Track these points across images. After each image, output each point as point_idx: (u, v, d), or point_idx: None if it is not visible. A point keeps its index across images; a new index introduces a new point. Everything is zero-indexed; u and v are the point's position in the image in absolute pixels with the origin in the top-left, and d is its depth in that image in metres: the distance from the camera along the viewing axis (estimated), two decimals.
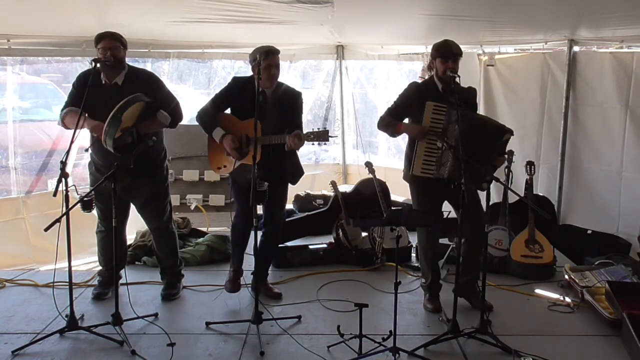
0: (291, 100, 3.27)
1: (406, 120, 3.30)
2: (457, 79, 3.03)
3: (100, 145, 3.20)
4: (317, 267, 4.13)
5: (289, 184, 3.53)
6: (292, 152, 3.40)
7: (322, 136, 3.07)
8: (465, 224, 3.01)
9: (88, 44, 4.61)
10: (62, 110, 3.25)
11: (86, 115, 3.04)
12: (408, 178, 3.31)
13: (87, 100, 2.99)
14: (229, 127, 3.29)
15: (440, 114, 3.09)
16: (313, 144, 3.14)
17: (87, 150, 3.34)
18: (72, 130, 2.98)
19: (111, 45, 3.15)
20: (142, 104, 3.09)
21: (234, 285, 3.49)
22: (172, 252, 3.64)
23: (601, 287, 3.41)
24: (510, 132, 3.14)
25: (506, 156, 3.22)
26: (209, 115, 3.32)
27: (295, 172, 3.46)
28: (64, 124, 3.21)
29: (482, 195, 3.08)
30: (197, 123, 3.41)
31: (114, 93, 3.11)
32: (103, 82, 3.20)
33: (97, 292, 3.56)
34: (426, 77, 3.42)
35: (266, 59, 3.11)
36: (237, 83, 3.34)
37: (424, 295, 3.46)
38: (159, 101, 3.23)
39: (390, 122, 3.23)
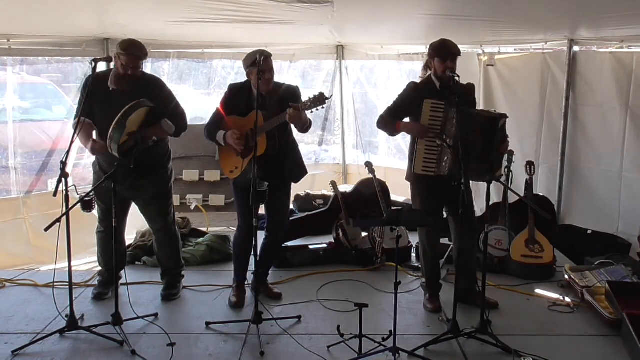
0: (290, 96, 3.28)
1: (406, 120, 3.30)
2: (456, 79, 3.03)
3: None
4: (317, 267, 4.13)
5: (292, 184, 3.53)
6: (294, 149, 3.42)
7: (318, 100, 3.00)
8: (455, 231, 3.00)
9: (88, 44, 4.63)
10: (74, 117, 3.28)
11: (92, 139, 3.10)
12: (410, 178, 3.31)
13: (92, 104, 3.01)
14: (234, 128, 3.29)
15: (438, 111, 3.09)
16: (312, 112, 3.08)
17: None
18: (73, 131, 2.99)
19: (135, 64, 3.11)
20: (146, 109, 3.11)
21: (238, 300, 3.46)
22: (174, 254, 3.63)
23: (601, 287, 3.41)
24: (504, 116, 3.13)
25: (509, 141, 3.21)
26: (212, 125, 3.36)
27: (297, 170, 3.46)
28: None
29: (482, 195, 3.09)
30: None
31: (122, 99, 3.10)
32: (111, 88, 3.18)
33: (97, 292, 3.56)
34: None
35: (262, 64, 3.08)
36: (233, 89, 3.38)
37: (424, 295, 3.46)
38: (164, 109, 3.23)
39: (389, 122, 3.25)
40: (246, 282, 3.57)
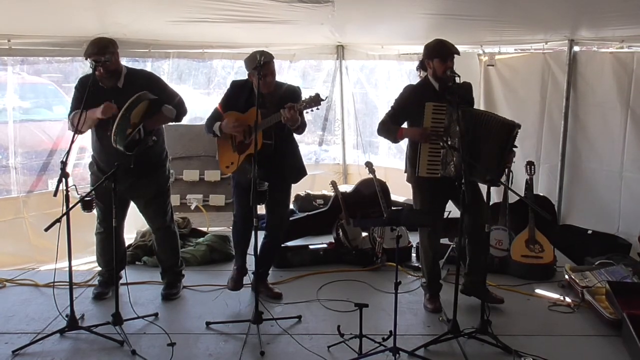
0: (290, 96, 3.29)
1: (405, 125, 3.30)
2: (457, 79, 3.03)
3: (102, 144, 3.22)
4: (317, 267, 4.13)
5: (291, 184, 3.53)
6: (293, 149, 3.42)
7: (314, 101, 3.02)
8: (466, 223, 3.01)
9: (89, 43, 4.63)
10: (69, 115, 3.27)
11: (85, 111, 3.04)
12: (412, 180, 3.31)
13: (89, 103, 3.00)
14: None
15: (440, 113, 3.09)
16: (307, 112, 3.09)
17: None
18: (70, 126, 2.99)
19: (99, 60, 3.07)
20: (146, 103, 3.11)
21: (236, 283, 3.51)
22: (174, 252, 3.64)
23: (601, 287, 3.41)
24: (519, 126, 3.12)
25: (515, 150, 3.21)
26: (211, 119, 3.38)
27: (297, 170, 3.46)
28: (73, 126, 3.16)
29: (482, 195, 3.09)
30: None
31: (116, 96, 3.12)
32: (104, 87, 3.19)
33: (98, 292, 3.56)
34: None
35: (263, 68, 3.08)
36: (235, 86, 3.40)
37: (424, 295, 3.46)
38: (162, 98, 3.25)
39: (391, 129, 3.24)
40: (247, 282, 3.57)
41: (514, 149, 3.17)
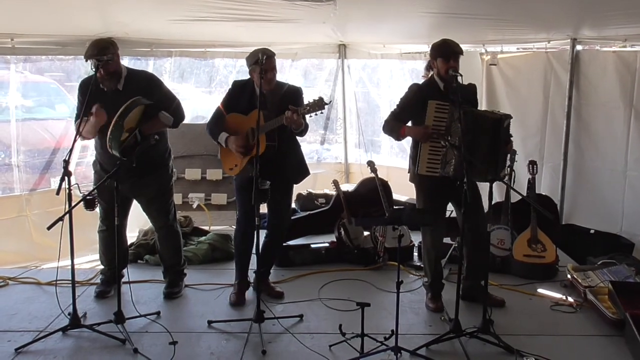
0: (292, 97, 3.28)
1: (410, 123, 3.30)
2: (459, 78, 3.03)
3: (104, 143, 3.21)
4: (319, 266, 4.13)
5: (293, 184, 3.53)
6: (295, 149, 3.42)
7: (317, 105, 3.01)
8: (466, 226, 3.00)
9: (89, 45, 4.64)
10: (75, 121, 3.27)
11: (87, 118, 3.05)
12: (415, 179, 3.30)
13: (92, 105, 3.00)
14: (235, 125, 3.30)
15: (442, 112, 3.09)
16: (311, 116, 3.08)
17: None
18: (75, 132, 3.00)
19: (101, 60, 3.07)
20: (142, 107, 3.10)
21: (238, 299, 3.46)
22: (176, 251, 3.65)
23: (604, 287, 3.41)
24: (509, 117, 3.12)
25: (512, 140, 3.21)
26: (214, 123, 3.37)
27: (299, 170, 3.46)
28: (79, 135, 3.14)
29: (484, 194, 3.09)
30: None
31: (116, 98, 3.11)
32: (105, 89, 3.19)
33: (100, 291, 3.57)
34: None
35: (264, 63, 3.08)
36: (237, 86, 3.39)
37: (426, 294, 3.46)
38: (160, 102, 3.23)
39: (394, 126, 3.24)
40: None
41: (511, 139, 3.17)
